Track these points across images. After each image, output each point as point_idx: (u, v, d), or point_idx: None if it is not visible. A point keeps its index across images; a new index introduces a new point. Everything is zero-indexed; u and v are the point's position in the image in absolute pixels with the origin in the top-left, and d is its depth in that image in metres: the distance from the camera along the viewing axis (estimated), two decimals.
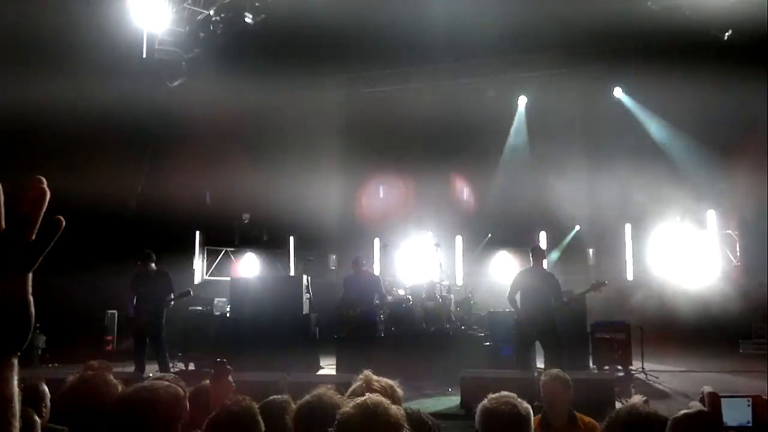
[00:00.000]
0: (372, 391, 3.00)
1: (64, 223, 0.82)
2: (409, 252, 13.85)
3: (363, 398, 2.31)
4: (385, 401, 2.25)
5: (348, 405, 2.37)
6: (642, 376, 9.59)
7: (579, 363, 9.17)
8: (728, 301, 11.50)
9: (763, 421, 1.38)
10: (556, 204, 12.70)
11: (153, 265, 8.56)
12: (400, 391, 3.18)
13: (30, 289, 0.81)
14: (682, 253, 12.95)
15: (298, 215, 14.07)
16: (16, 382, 0.79)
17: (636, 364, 9.88)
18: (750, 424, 1.39)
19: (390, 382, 3.21)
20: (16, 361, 0.80)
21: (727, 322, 11.34)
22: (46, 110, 9.40)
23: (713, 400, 1.38)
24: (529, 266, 8.00)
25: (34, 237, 0.79)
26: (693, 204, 12.49)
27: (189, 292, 8.81)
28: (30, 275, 0.81)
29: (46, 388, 3.32)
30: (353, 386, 3.15)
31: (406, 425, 2.16)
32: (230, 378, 3.56)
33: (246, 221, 14.40)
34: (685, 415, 1.39)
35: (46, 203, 0.82)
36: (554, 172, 12.21)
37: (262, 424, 2.65)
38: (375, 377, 3.28)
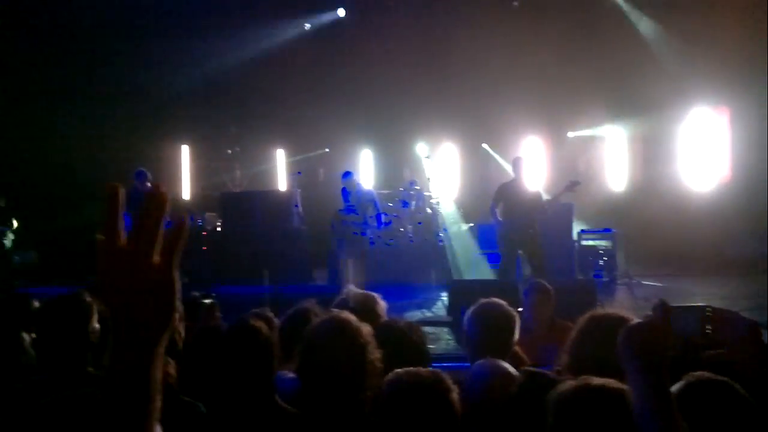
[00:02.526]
0: (355, 302, 3.06)
1: (188, 224, 0.92)
2: (403, 162, 13.84)
3: (330, 314, 2.35)
4: (353, 318, 2.29)
5: (316, 321, 2.42)
6: (626, 282, 9.81)
7: (563, 270, 9.35)
8: (721, 209, 11.46)
9: (712, 329, 1.43)
10: (546, 108, 12.48)
11: (147, 183, 8.57)
12: (382, 303, 3.24)
13: (176, 275, 0.89)
14: (676, 157, 12.73)
15: (286, 128, 13.95)
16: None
17: (622, 272, 10.09)
18: (699, 333, 1.43)
19: (373, 294, 3.27)
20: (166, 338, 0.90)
21: (717, 230, 11.41)
22: None
23: (663, 310, 1.42)
24: (511, 178, 8.00)
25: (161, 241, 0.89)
26: (684, 102, 12.16)
27: (191, 218, 8.88)
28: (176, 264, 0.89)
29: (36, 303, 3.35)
30: (336, 300, 3.21)
31: (371, 341, 2.20)
32: (218, 313, 3.63)
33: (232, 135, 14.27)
34: (636, 324, 1.43)
35: (168, 209, 0.90)
36: (545, 75, 11.94)
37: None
38: (357, 290, 3.33)
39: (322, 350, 2.04)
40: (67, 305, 2.39)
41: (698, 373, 1.61)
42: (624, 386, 1.53)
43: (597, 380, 1.59)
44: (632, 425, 1.44)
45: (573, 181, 8.00)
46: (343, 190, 10.20)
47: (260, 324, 2.43)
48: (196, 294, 3.80)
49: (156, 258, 0.88)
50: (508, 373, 2.30)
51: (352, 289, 3.35)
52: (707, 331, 1.45)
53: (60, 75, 12.24)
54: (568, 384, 1.64)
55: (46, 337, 2.39)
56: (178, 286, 0.90)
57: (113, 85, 12.64)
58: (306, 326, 2.62)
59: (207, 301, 3.70)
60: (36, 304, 3.12)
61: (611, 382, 1.58)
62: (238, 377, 2.37)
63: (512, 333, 2.86)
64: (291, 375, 2.62)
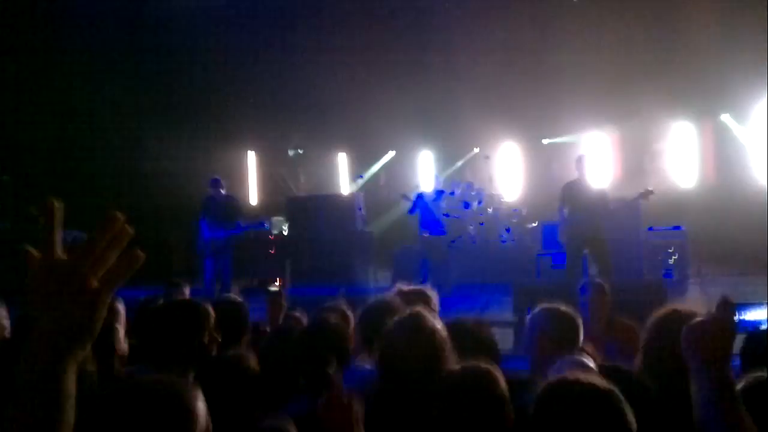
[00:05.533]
0: (404, 297, 3.13)
1: (142, 259, 0.95)
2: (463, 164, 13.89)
3: (408, 313, 2.44)
4: (429, 317, 2.37)
5: (395, 319, 2.51)
6: (698, 281, 9.54)
7: (631, 269, 9.16)
8: None
9: None
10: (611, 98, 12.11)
11: (222, 190, 8.89)
12: (434, 297, 3.32)
13: (106, 301, 0.93)
14: (749, 153, 12.24)
15: (347, 133, 14.15)
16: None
17: (693, 270, 9.82)
18: (766, 327, 1.45)
19: (423, 288, 3.36)
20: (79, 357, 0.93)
21: None
22: None
23: (726, 307, 1.44)
24: (575, 177, 7.91)
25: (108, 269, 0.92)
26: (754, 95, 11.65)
27: (263, 224, 9.25)
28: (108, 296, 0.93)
29: (121, 306, 3.57)
30: (387, 294, 3.30)
31: (446, 340, 2.28)
32: (283, 301, 3.80)
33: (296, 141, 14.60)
34: (698, 321, 1.46)
35: (125, 242, 0.94)
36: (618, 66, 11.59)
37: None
38: (406, 287, 3.41)
39: (400, 350, 2.12)
40: None
41: (758, 373, 1.61)
42: (601, 382, 1.58)
43: (574, 375, 1.63)
44: (606, 420, 1.50)
45: (647, 190, 7.81)
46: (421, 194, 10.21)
47: (336, 318, 2.56)
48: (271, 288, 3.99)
49: (93, 280, 0.91)
50: (591, 369, 2.33)
51: (401, 286, 3.43)
52: None
53: (130, 86, 12.75)
54: (549, 378, 1.68)
55: None
56: (103, 312, 0.93)
57: (182, 94, 13.12)
58: (383, 318, 2.74)
59: (273, 289, 3.87)
60: None
61: (587, 377, 1.61)
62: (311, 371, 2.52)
63: (576, 335, 2.88)
64: (368, 366, 2.73)
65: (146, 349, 2.60)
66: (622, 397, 1.56)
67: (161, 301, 3.34)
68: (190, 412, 1.38)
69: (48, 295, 0.90)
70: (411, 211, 9.99)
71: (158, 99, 13.03)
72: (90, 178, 12.01)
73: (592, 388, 1.58)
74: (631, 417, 1.55)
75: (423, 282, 9.53)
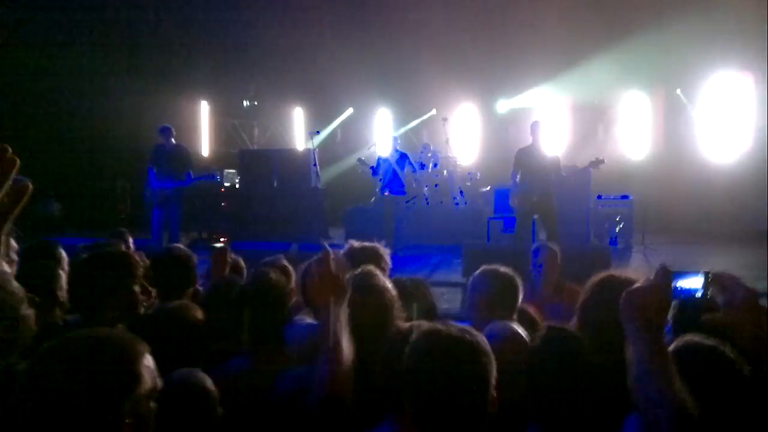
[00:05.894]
0: (355, 254, 3.11)
1: (31, 189, 0.92)
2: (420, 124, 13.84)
3: (360, 271, 2.42)
4: (377, 272, 2.37)
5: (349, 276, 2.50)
6: (642, 249, 9.83)
7: (579, 236, 9.36)
8: (741, 179, 11.29)
9: (712, 293, 1.49)
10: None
11: (172, 139, 8.67)
12: (386, 256, 3.30)
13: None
14: (698, 126, 12.52)
15: (304, 87, 13.92)
16: None
17: (637, 239, 10.10)
18: (701, 296, 1.50)
19: (376, 246, 3.33)
20: None
21: (735, 200, 11.28)
22: None
23: (664, 275, 1.48)
24: (529, 143, 7.97)
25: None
26: (706, 67, 11.89)
27: (214, 176, 9.07)
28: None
29: (64, 252, 3.46)
30: (342, 251, 3.27)
31: (396, 301, 2.29)
32: (228, 258, 3.72)
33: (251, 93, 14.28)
34: (636, 287, 1.50)
35: (14, 171, 0.90)
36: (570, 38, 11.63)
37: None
38: (357, 243, 3.38)
39: (349, 307, 2.10)
40: None
41: (688, 337, 1.68)
42: (467, 335, 1.65)
43: (446, 327, 1.69)
44: (465, 370, 1.57)
45: (599, 159, 7.92)
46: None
47: (277, 275, 2.53)
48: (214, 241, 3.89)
49: None
50: (519, 336, 2.37)
51: (353, 242, 3.40)
52: (708, 294, 1.51)
53: (84, 32, 12.26)
54: (421, 328, 1.74)
55: None
56: None
57: (134, 40, 12.67)
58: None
59: (218, 245, 3.78)
60: None
61: (459, 329, 1.68)
62: (253, 325, 2.50)
63: (515, 297, 2.91)
64: (308, 320, 2.72)
65: (74, 300, 2.53)
66: (486, 351, 1.63)
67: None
68: (133, 371, 1.32)
69: None
70: (374, 173, 9.92)
71: (111, 45, 12.59)
72: (38, 126, 11.62)
73: (456, 338, 1.64)
74: (490, 372, 1.62)
75: (395, 241, 9.57)
